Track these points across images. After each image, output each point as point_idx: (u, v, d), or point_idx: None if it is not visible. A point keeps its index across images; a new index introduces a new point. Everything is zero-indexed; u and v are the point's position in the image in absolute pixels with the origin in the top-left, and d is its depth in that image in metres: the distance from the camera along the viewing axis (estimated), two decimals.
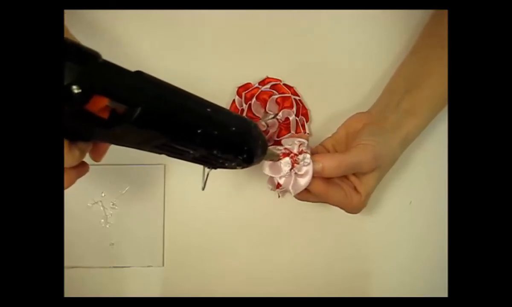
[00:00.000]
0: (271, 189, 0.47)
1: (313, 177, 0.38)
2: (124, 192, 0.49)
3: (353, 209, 0.41)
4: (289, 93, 0.48)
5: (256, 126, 0.34)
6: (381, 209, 0.49)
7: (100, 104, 0.24)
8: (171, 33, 0.49)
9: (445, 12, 0.43)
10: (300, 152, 0.39)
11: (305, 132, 0.47)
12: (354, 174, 0.41)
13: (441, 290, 0.47)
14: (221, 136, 0.31)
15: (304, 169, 0.38)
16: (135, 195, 0.49)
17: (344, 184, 0.41)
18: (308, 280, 0.49)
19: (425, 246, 0.49)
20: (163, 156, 0.48)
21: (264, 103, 0.48)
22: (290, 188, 0.38)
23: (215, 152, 0.31)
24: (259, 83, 0.48)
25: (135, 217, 0.49)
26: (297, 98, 0.48)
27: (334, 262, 0.49)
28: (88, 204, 0.49)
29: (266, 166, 0.39)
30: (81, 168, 0.33)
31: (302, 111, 0.48)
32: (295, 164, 0.38)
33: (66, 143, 0.27)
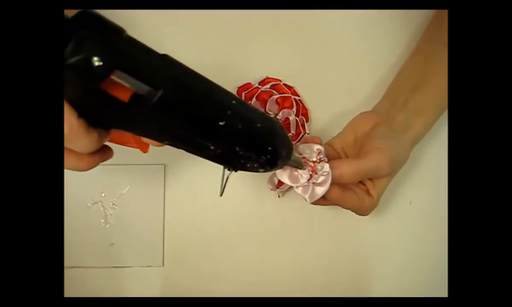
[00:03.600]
0: (271, 189, 0.47)
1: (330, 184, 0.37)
2: (124, 192, 0.49)
3: (365, 212, 0.41)
4: (289, 93, 0.48)
5: (282, 128, 0.32)
6: (381, 209, 0.49)
7: (120, 86, 0.23)
8: (170, 33, 0.49)
9: (446, 11, 0.43)
10: (319, 160, 0.38)
11: (305, 132, 0.47)
12: (369, 178, 0.41)
13: (441, 290, 0.47)
14: (245, 132, 0.29)
15: (322, 178, 0.37)
16: (135, 195, 0.49)
17: (357, 188, 0.40)
18: (308, 280, 0.49)
19: (425, 246, 0.49)
20: (163, 156, 0.49)
21: (264, 103, 0.48)
22: (306, 197, 0.38)
23: (237, 148, 0.29)
24: (259, 83, 0.48)
25: (135, 217, 0.49)
26: (297, 98, 0.48)
27: (334, 262, 0.49)
28: (88, 204, 0.49)
29: (285, 176, 0.37)
30: (106, 152, 0.32)
31: (302, 111, 0.48)
32: (313, 174, 0.37)
33: (84, 124, 0.26)
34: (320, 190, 0.37)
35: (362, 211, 0.41)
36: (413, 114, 0.42)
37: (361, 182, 0.41)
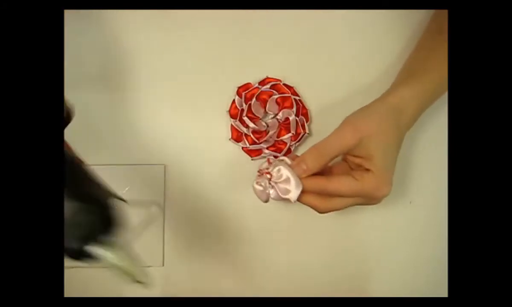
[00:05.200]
0: (264, 202, 0.45)
1: (305, 178, 0.38)
2: (124, 192, 0.49)
3: (374, 192, 0.38)
4: (289, 93, 0.48)
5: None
6: (381, 209, 0.49)
7: None
8: (171, 33, 0.49)
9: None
10: (269, 163, 0.40)
11: (305, 132, 0.47)
12: (354, 156, 0.39)
13: (441, 290, 0.47)
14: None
15: (283, 176, 0.38)
16: (135, 195, 0.49)
17: (351, 171, 0.39)
18: (308, 280, 0.49)
19: (425, 246, 0.49)
20: (163, 156, 0.49)
21: (264, 103, 0.48)
22: (286, 196, 0.38)
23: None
24: (259, 83, 0.48)
25: (135, 217, 0.48)
26: (297, 98, 0.48)
27: (334, 262, 0.49)
28: None
29: (263, 198, 0.39)
30: None
31: (302, 111, 0.48)
32: (270, 176, 0.39)
33: None
34: (292, 185, 0.37)
35: (369, 193, 0.38)
36: (395, 85, 0.42)
37: (353, 164, 0.40)
